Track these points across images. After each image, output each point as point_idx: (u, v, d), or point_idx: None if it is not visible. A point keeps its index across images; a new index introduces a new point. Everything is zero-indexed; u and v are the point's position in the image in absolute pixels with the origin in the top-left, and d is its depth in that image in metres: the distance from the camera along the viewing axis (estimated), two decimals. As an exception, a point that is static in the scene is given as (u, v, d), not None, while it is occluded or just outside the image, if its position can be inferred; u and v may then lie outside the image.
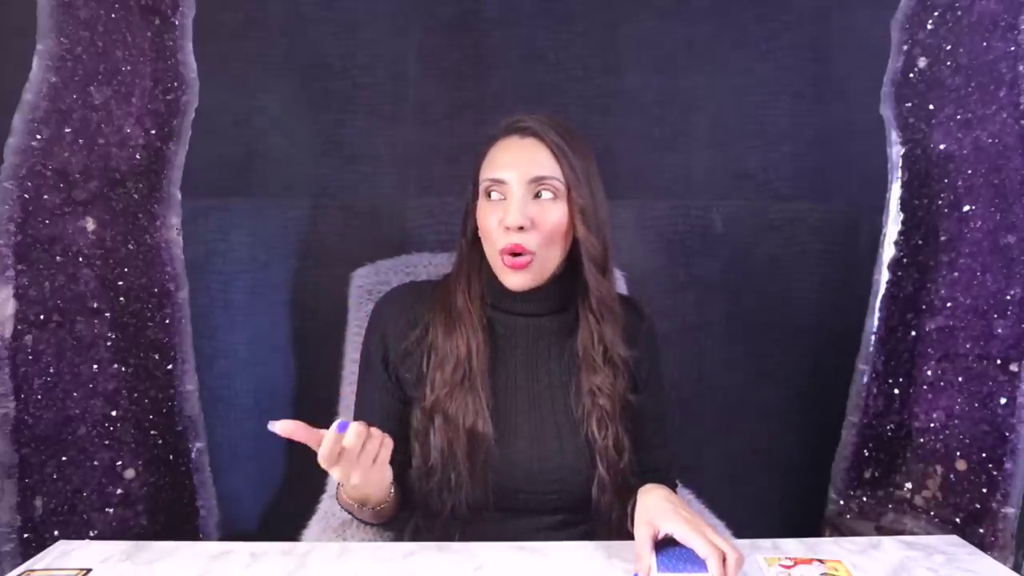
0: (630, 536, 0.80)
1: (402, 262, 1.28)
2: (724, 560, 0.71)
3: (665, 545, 0.76)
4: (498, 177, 0.89)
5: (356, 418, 0.91)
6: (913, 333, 1.31)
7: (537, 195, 0.88)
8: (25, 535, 1.19)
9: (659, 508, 0.77)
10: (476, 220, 0.95)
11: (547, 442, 0.90)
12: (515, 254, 0.87)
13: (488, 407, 0.89)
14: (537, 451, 0.90)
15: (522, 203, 0.87)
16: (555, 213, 0.88)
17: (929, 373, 1.30)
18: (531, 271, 0.89)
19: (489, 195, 0.90)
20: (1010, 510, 1.22)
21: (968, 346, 1.26)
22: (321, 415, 1.24)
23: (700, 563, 0.72)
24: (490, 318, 0.94)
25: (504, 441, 0.89)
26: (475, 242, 0.95)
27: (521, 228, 0.86)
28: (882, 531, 1.32)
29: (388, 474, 0.83)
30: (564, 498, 0.90)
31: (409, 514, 0.96)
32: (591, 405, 0.92)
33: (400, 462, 0.92)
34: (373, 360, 0.96)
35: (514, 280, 0.89)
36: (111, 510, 1.24)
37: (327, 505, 1.20)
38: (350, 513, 0.92)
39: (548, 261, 0.90)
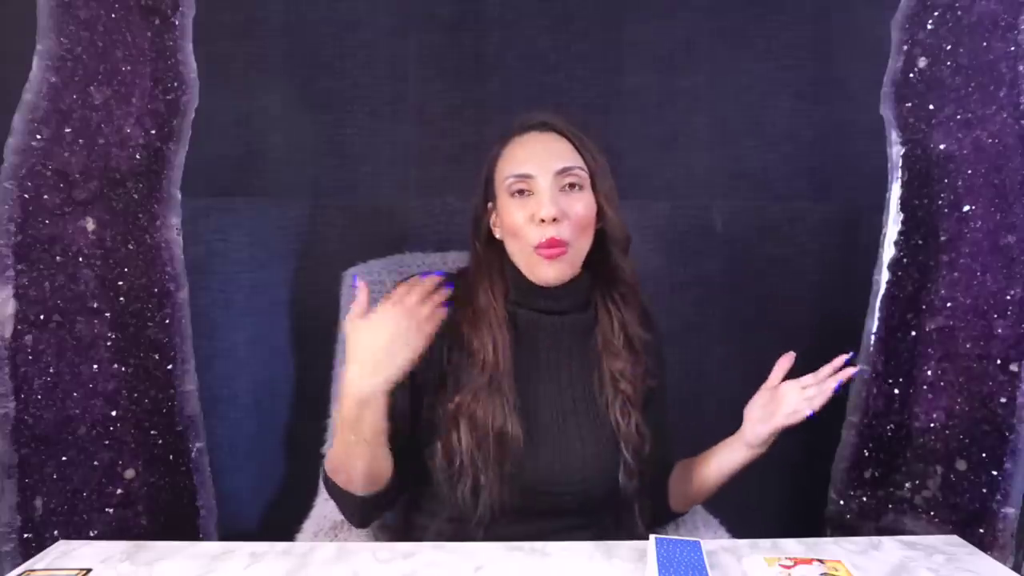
0: (642, 533, 0.82)
1: (395, 261, 1.27)
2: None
3: (666, 546, 0.76)
4: (525, 172, 0.88)
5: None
6: (913, 333, 1.31)
7: (564, 187, 0.89)
8: (25, 535, 1.19)
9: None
10: (489, 221, 0.94)
11: (569, 443, 0.90)
12: (550, 246, 0.87)
13: (515, 408, 0.88)
14: (559, 452, 0.89)
15: (552, 195, 0.87)
16: (583, 203, 0.89)
17: (929, 373, 1.30)
18: (566, 261, 0.89)
19: (514, 192, 0.89)
20: (1010, 510, 1.22)
21: (968, 346, 1.26)
22: (322, 415, 1.25)
23: (701, 566, 0.72)
24: (512, 315, 0.93)
25: (527, 443, 0.88)
26: (490, 244, 0.94)
27: (555, 220, 0.86)
28: (882, 531, 1.32)
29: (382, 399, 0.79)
30: (583, 499, 0.90)
31: (430, 518, 0.94)
32: (613, 392, 0.92)
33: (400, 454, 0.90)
34: None
35: (549, 273, 0.88)
36: (111, 510, 1.24)
37: (320, 508, 1.19)
38: (336, 493, 0.88)
39: (580, 252, 0.90)
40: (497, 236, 0.95)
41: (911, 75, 1.32)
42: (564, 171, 0.89)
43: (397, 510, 1.01)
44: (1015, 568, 1.22)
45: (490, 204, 0.95)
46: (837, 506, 1.38)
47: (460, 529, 0.89)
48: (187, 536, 1.29)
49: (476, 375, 0.88)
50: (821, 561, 0.77)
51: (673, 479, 1.02)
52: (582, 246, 0.90)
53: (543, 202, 0.86)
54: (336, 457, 0.86)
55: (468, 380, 0.88)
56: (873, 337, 1.34)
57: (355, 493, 0.87)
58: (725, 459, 0.95)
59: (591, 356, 0.95)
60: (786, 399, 0.90)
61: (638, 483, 0.91)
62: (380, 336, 0.77)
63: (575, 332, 0.95)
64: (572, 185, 0.89)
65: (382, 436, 0.82)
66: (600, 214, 0.91)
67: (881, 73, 1.34)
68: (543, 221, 0.86)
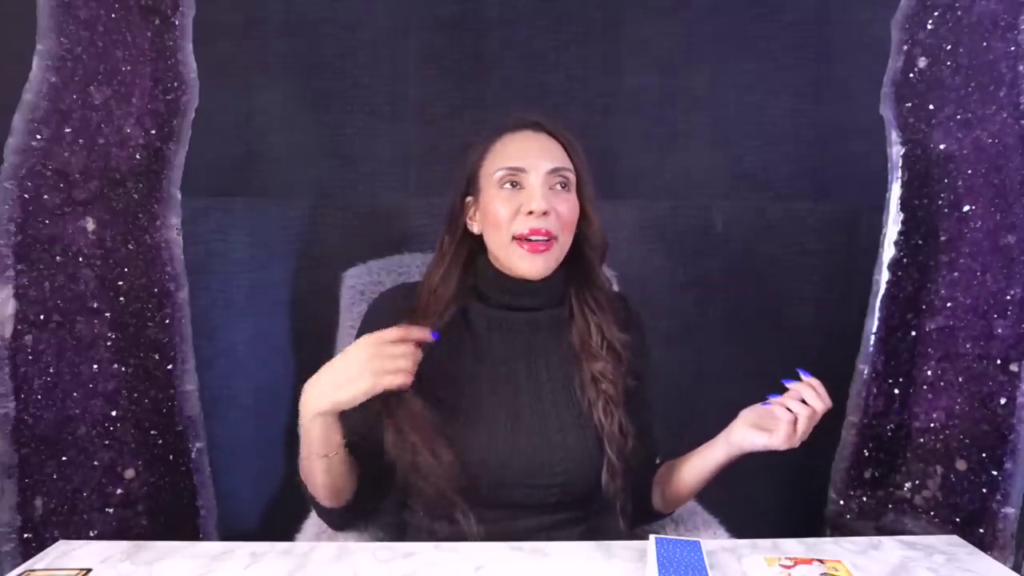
0: (633, 529, 0.81)
1: (395, 262, 1.27)
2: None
3: (666, 546, 0.76)
4: (518, 165, 0.90)
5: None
6: (913, 333, 1.31)
7: (553, 186, 0.91)
8: (25, 535, 1.19)
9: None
10: (466, 216, 0.95)
11: (550, 436, 0.90)
12: (533, 239, 0.88)
13: (466, 408, 0.89)
14: (541, 445, 0.90)
15: (543, 191, 0.89)
16: (569, 203, 0.91)
17: (929, 373, 1.30)
18: (550, 256, 0.90)
19: (503, 185, 0.90)
20: (1010, 510, 1.22)
21: (968, 346, 1.26)
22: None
23: (701, 566, 0.72)
24: (488, 315, 0.94)
25: (509, 438, 0.89)
26: (462, 239, 0.95)
27: (544, 213, 0.87)
28: (882, 531, 1.32)
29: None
30: (568, 492, 0.90)
31: (419, 518, 0.94)
32: (595, 393, 0.93)
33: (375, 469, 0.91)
34: None
35: (530, 265, 0.89)
36: (111, 510, 1.24)
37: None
38: (308, 498, 0.89)
39: (563, 247, 0.92)
40: (475, 231, 0.95)
41: (911, 75, 1.32)
42: (555, 171, 0.91)
43: (393, 510, 1.01)
44: (1015, 568, 1.22)
45: (469, 199, 0.95)
46: (837, 506, 1.38)
47: (452, 529, 0.89)
48: (187, 536, 1.29)
49: (433, 381, 0.88)
50: (821, 561, 0.77)
51: (657, 479, 1.02)
52: (565, 242, 0.92)
53: (535, 196, 0.88)
54: (302, 467, 0.87)
55: (429, 389, 0.87)
56: (873, 337, 1.34)
57: (320, 503, 0.89)
58: (703, 460, 0.95)
59: (568, 353, 0.96)
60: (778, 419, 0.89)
61: (622, 482, 0.91)
62: (351, 362, 0.76)
63: (550, 328, 0.96)
64: (561, 185, 0.91)
65: (336, 454, 0.83)
66: (583, 216, 0.93)
67: (881, 73, 1.34)
68: (531, 213, 0.87)
